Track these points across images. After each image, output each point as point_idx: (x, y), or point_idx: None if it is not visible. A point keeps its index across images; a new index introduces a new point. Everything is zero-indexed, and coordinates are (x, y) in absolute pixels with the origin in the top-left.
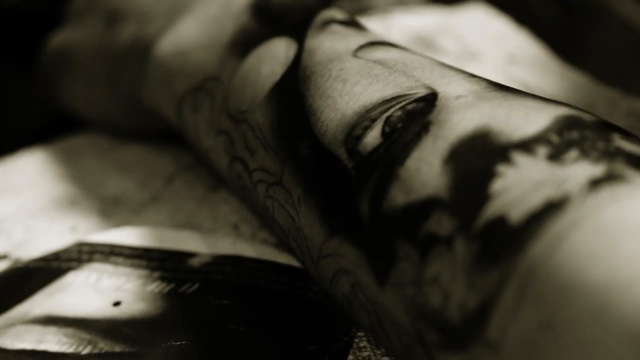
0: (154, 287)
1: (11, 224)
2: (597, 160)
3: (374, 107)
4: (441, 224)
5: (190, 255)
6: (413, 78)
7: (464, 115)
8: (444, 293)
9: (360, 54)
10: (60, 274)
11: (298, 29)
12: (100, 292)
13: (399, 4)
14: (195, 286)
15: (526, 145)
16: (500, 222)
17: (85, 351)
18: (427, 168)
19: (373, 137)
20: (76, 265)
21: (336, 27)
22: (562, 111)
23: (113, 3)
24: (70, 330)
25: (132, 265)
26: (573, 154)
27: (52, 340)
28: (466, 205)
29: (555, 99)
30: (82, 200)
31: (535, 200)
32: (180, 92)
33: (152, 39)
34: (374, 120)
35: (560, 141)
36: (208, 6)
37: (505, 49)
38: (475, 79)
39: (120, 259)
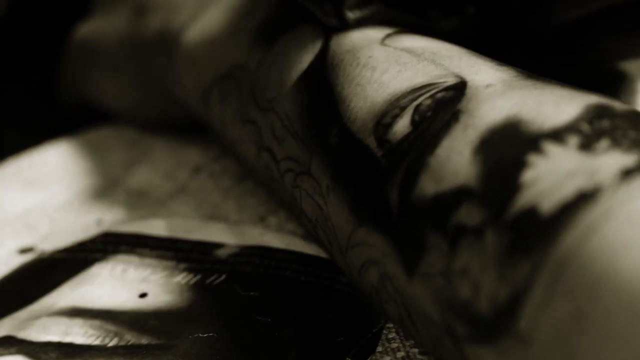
0: (181, 278)
1: (37, 217)
2: (628, 149)
3: (404, 95)
4: (471, 214)
5: (217, 246)
6: (442, 66)
7: (494, 104)
8: (474, 284)
9: (388, 42)
10: (85, 265)
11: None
12: (126, 284)
13: None
14: (222, 277)
15: (557, 135)
16: (531, 212)
17: (112, 343)
18: (457, 157)
19: (402, 125)
20: (102, 257)
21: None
22: (592, 100)
23: None
24: (96, 322)
25: (158, 257)
26: (604, 143)
27: (78, 333)
28: (497, 196)
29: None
30: (108, 193)
31: (567, 190)
32: (208, 81)
33: (180, 28)
34: (403, 109)
35: (592, 130)
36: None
37: None
38: (504, 67)
39: (146, 250)
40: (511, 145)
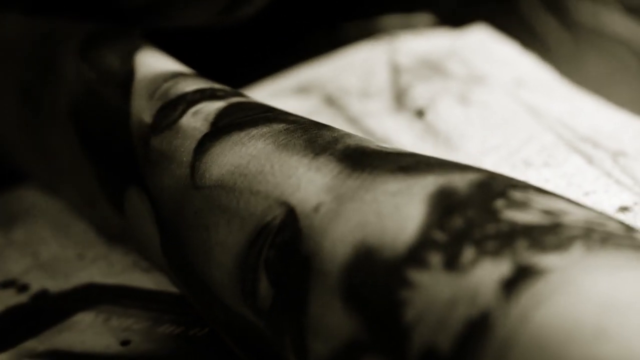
0: (164, 328)
1: (20, 250)
2: (497, 253)
3: (246, 254)
4: None
5: None
6: (261, 194)
7: (334, 235)
8: None
9: (197, 179)
10: (68, 314)
11: (131, 168)
12: (109, 331)
13: (406, 27)
14: (206, 330)
15: (416, 259)
16: (432, 354)
17: None
18: (330, 312)
19: (264, 289)
20: (84, 306)
21: (156, 144)
22: (430, 185)
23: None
24: None
25: (142, 307)
26: (469, 254)
27: None
28: (389, 345)
29: (419, 156)
30: (92, 228)
31: (456, 323)
32: (119, 240)
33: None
34: (254, 270)
35: (447, 239)
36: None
37: (511, 73)
38: (322, 158)
39: (129, 301)
40: (376, 287)
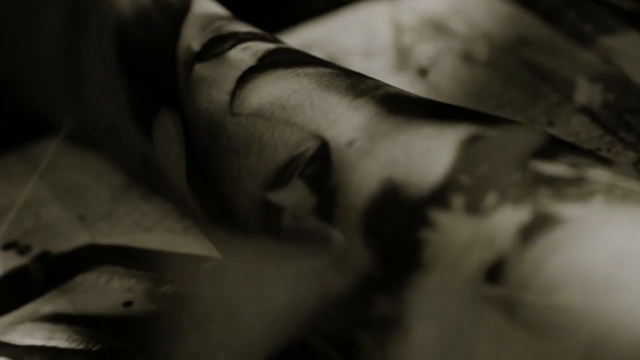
0: (166, 288)
1: (22, 212)
2: (518, 200)
3: (274, 183)
4: (387, 304)
5: (202, 258)
6: (297, 127)
7: (363, 171)
8: None
9: (235, 107)
10: (70, 275)
11: (169, 90)
12: (111, 293)
13: None
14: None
15: (440, 199)
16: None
17: (96, 348)
18: (351, 245)
19: (288, 220)
20: (86, 267)
21: (200, 69)
22: (462, 132)
23: None
24: (80, 328)
25: (144, 268)
26: (491, 198)
27: (62, 338)
28: (404, 282)
29: (455, 107)
30: (92, 188)
31: (472, 266)
32: (137, 170)
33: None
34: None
35: (472, 183)
36: (94, 76)
37: (514, 31)
38: (362, 100)
39: (131, 262)
40: (398, 223)
